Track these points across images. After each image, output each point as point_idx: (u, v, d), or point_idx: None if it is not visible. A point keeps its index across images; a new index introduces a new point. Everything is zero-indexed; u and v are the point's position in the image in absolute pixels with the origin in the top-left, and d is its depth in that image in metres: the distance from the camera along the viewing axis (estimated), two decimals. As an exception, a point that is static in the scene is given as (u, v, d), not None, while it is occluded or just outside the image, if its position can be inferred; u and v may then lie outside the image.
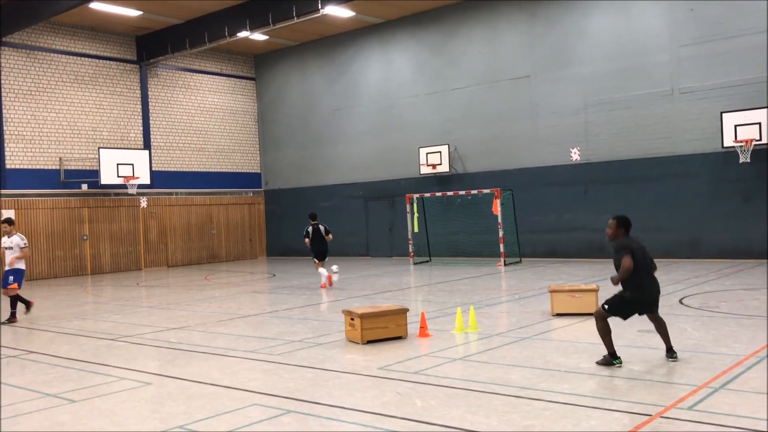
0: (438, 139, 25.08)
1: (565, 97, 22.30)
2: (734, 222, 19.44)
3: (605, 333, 7.67)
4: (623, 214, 8.04)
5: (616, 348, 7.72)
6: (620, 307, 7.74)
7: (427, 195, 23.93)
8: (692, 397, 6.34)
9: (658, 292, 7.85)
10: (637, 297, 7.66)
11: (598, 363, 7.73)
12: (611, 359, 7.63)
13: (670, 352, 7.80)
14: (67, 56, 25.05)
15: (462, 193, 23.16)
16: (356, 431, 5.87)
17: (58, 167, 24.55)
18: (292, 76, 29.90)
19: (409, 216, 23.58)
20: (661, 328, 7.89)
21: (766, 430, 5.36)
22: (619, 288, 7.81)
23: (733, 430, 5.41)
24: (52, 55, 24.66)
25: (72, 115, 25.08)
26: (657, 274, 7.95)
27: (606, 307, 7.74)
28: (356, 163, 27.81)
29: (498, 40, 23.78)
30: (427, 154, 24.91)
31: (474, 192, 22.77)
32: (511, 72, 23.48)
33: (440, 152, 24.64)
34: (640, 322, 10.35)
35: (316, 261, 17.62)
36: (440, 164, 24.64)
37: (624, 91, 21.18)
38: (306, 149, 29.47)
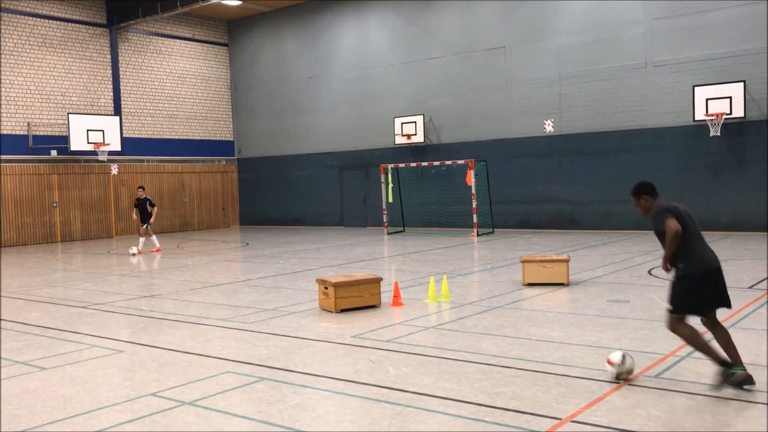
0: (413, 110, 25.00)
1: (540, 69, 22.31)
2: (703, 195, 19.73)
3: (697, 339, 5.82)
4: (642, 181, 6.17)
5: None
6: (686, 294, 5.80)
7: (402, 165, 23.90)
8: (659, 365, 6.48)
9: (719, 268, 5.86)
10: (700, 268, 5.77)
11: (722, 383, 5.65)
12: (727, 370, 5.65)
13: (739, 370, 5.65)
14: (35, 19, 24.41)
15: (436, 163, 23.18)
16: (329, 398, 5.92)
17: (26, 132, 24.06)
18: (266, 42, 29.49)
19: (383, 186, 23.57)
20: (728, 341, 5.83)
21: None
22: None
23: (698, 396, 5.54)
24: (18, 17, 24.01)
25: (40, 79, 24.53)
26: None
27: (671, 308, 5.88)
28: (331, 132, 27.65)
29: (474, 11, 23.63)
30: (402, 124, 24.83)
31: (448, 163, 22.80)
32: (486, 43, 23.40)
33: (415, 122, 24.57)
34: (609, 292, 10.55)
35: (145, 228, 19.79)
36: (415, 134, 24.58)
37: (598, 64, 21.25)
38: (280, 117, 29.20)
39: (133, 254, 18.95)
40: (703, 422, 5.00)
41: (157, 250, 19.68)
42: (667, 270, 5.89)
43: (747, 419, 5.04)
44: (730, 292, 5.98)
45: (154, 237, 19.86)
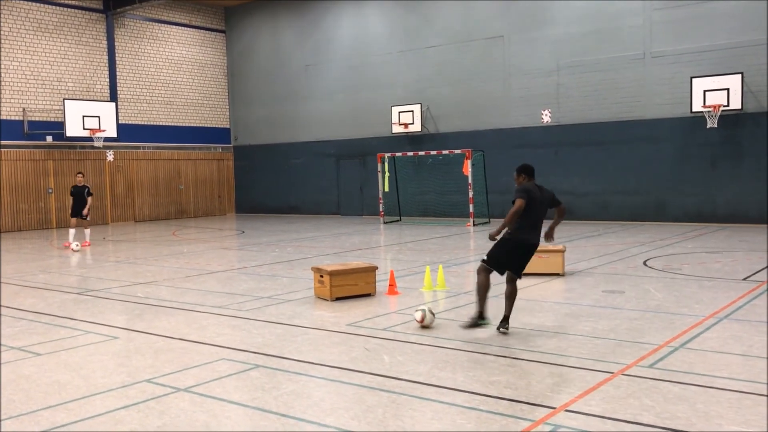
0: (411, 98, 24.95)
1: (538, 59, 22.27)
2: (700, 186, 19.77)
3: (482, 289, 7.43)
4: (526, 164, 7.89)
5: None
6: (499, 250, 7.40)
7: (399, 154, 23.88)
8: (653, 355, 6.50)
9: (535, 246, 7.51)
10: (517, 237, 7.34)
11: (463, 327, 7.51)
12: (478, 320, 7.41)
13: (504, 323, 7.46)
14: (30, 3, 24.26)
15: (433, 153, 23.15)
16: (324, 386, 5.93)
17: (21, 118, 23.96)
18: (264, 29, 29.36)
19: (380, 175, 23.54)
20: (512, 297, 7.57)
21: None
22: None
23: (691, 386, 5.57)
24: (13, 1, 23.86)
25: (36, 64, 24.41)
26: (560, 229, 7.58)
27: (485, 258, 7.50)
28: (328, 121, 27.59)
29: (473, -1, 23.57)
30: (399, 113, 24.78)
31: (445, 152, 22.78)
32: (485, 31, 23.33)
33: (413, 111, 24.53)
34: (604, 282, 10.58)
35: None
36: (412, 123, 24.54)
37: (596, 54, 21.21)
38: (277, 105, 29.12)
39: (76, 249, 16.96)
40: (696, 412, 5.02)
41: (86, 245, 17.93)
42: (492, 238, 7.37)
43: (739, 409, 5.07)
44: (725, 284, 6.07)
45: (73, 230, 17.78)
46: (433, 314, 7.82)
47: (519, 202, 7.24)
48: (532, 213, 7.35)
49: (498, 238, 7.38)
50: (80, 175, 18.45)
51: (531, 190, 7.41)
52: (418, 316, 7.77)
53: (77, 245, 17.11)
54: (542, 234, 7.64)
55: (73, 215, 17.91)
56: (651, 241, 15.95)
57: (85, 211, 17.69)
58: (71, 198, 18.14)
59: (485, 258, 7.51)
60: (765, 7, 18.51)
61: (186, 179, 29.02)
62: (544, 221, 7.63)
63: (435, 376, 6.04)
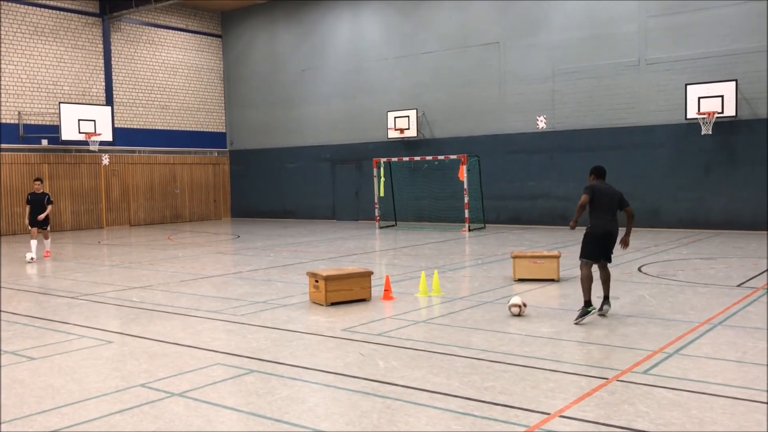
0: (406, 104, 24.98)
1: (534, 65, 22.33)
2: (694, 193, 19.83)
3: (586, 280, 8.32)
4: (597, 165, 9.06)
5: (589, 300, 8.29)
6: (585, 245, 8.50)
7: (395, 159, 23.90)
8: (647, 361, 6.51)
9: (614, 231, 8.44)
10: (591, 230, 8.49)
11: (577, 319, 8.16)
12: (586, 308, 8.15)
13: (606, 302, 8.49)
14: (27, 6, 24.23)
15: (429, 158, 23.18)
16: (319, 391, 5.93)
17: (17, 121, 23.91)
18: (260, 34, 29.39)
19: (375, 180, 23.55)
20: (607, 280, 8.59)
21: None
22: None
23: (685, 392, 5.58)
24: (10, 4, 23.83)
25: (32, 68, 24.37)
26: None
27: (580, 253, 8.54)
28: (324, 125, 27.60)
29: (468, 6, 23.60)
30: (395, 118, 24.81)
31: (441, 157, 22.81)
32: (481, 38, 23.39)
33: (408, 117, 24.56)
34: (599, 288, 10.60)
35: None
36: (408, 129, 24.57)
37: (591, 61, 21.28)
38: (273, 109, 29.13)
39: (31, 260, 15.74)
40: (690, 418, 5.03)
41: (47, 255, 16.58)
42: (572, 228, 8.57)
43: (733, 415, 5.08)
44: (719, 290, 6.12)
45: (35, 241, 16.06)
46: (524, 306, 8.67)
47: (582, 197, 8.39)
48: (599, 206, 8.41)
49: (575, 226, 8.49)
50: (38, 182, 16.70)
51: (595, 186, 8.52)
52: (517, 301, 8.62)
53: (32, 257, 15.80)
54: (618, 229, 8.50)
55: (32, 224, 16.24)
56: (645, 247, 15.98)
57: (41, 216, 16.15)
58: (27, 206, 16.39)
59: (581, 255, 8.54)
60: (759, 14, 18.60)
61: (181, 183, 28.97)
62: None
63: (430, 381, 6.04)
